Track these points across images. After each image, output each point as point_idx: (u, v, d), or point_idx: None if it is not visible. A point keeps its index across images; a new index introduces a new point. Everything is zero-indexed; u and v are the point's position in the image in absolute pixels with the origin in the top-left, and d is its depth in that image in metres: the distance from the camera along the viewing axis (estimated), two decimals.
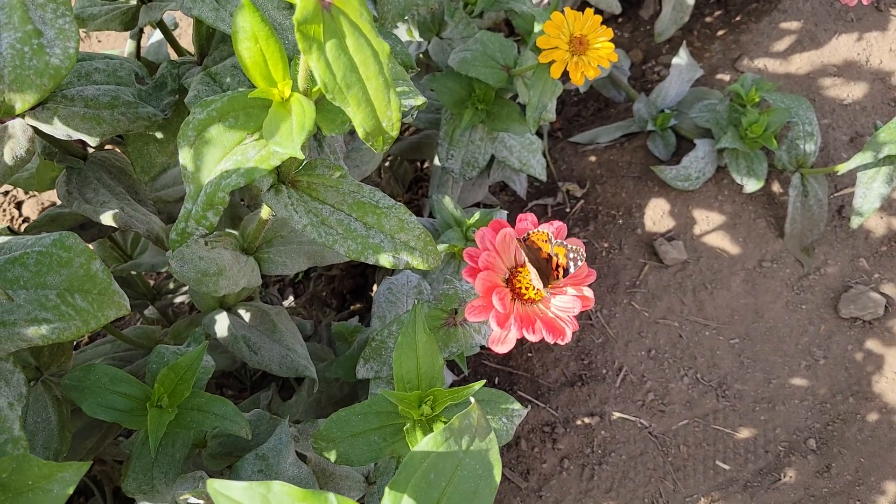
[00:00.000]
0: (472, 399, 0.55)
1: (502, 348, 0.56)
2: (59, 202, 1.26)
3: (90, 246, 1.21)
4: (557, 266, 0.57)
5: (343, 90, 0.49)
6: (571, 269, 0.57)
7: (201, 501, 0.63)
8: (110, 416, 0.67)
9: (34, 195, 1.47)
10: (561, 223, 0.59)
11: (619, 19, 1.70)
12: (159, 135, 0.71)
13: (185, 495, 0.59)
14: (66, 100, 0.63)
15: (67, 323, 0.51)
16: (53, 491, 0.38)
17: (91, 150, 0.75)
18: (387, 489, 0.50)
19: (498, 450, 0.54)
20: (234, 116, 0.56)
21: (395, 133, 0.53)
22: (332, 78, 0.48)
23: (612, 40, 0.94)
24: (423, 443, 0.52)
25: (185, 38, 1.59)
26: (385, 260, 0.63)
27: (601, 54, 0.93)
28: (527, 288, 0.57)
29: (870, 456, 1.16)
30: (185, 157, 0.55)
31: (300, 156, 0.51)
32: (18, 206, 1.48)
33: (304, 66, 0.53)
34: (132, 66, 0.68)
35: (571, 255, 0.56)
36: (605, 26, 0.93)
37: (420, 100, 0.65)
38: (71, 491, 0.39)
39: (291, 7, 0.68)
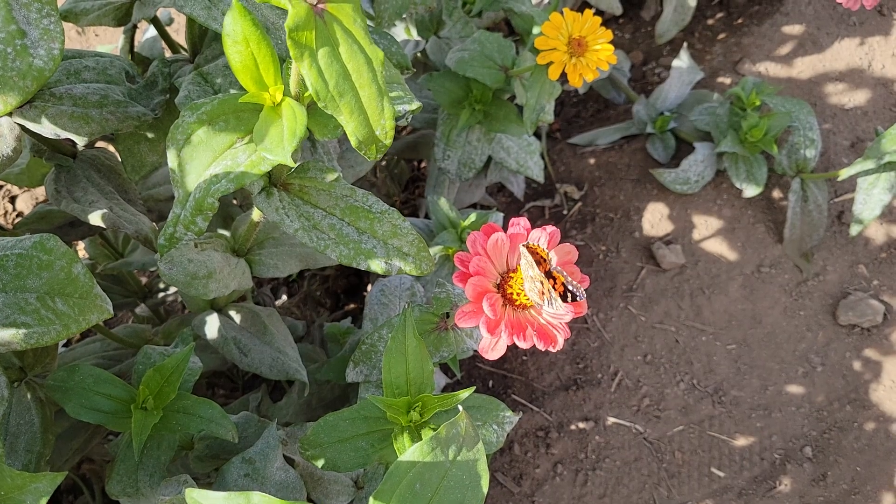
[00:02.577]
0: (461, 407, 0.54)
1: (493, 355, 0.56)
2: None
3: (80, 243, 1.21)
4: (554, 283, 0.56)
5: (335, 98, 0.48)
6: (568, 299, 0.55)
7: None
8: (94, 418, 0.66)
9: (28, 189, 1.47)
10: (554, 228, 0.58)
11: (620, 20, 1.68)
12: (150, 134, 0.70)
13: (165, 502, 0.58)
14: (55, 98, 0.62)
15: (47, 327, 0.50)
16: (26, 502, 0.38)
17: (81, 148, 0.74)
18: (371, 499, 0.50)
19: (486, 460, 0.53)
20: (224, 120, 0.55)
21: (388, 142, 0.52)
22: (324, 86, 0.47)
23: (612, 41, 0.93)
24: (410, 452, 0.51)
25: (182, 32, 1.58)
26: (377, 266, 0.62)
27: (600, 56, 0.92)
28: (518, 294, 0.56)
29: (866, 465, 1.15)
30: (173, 160, 0.54)
31: (291, 163, 0.50)
32: (12, 200, 1.47)
33: (296, 70, 0.52)
34: (122, 65, 0.67)
35: (570, 288, 0.55)
36: (604, 28, 0.92)
37: (415, 104, 0.64)
38: (44, 502, 0.38)
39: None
